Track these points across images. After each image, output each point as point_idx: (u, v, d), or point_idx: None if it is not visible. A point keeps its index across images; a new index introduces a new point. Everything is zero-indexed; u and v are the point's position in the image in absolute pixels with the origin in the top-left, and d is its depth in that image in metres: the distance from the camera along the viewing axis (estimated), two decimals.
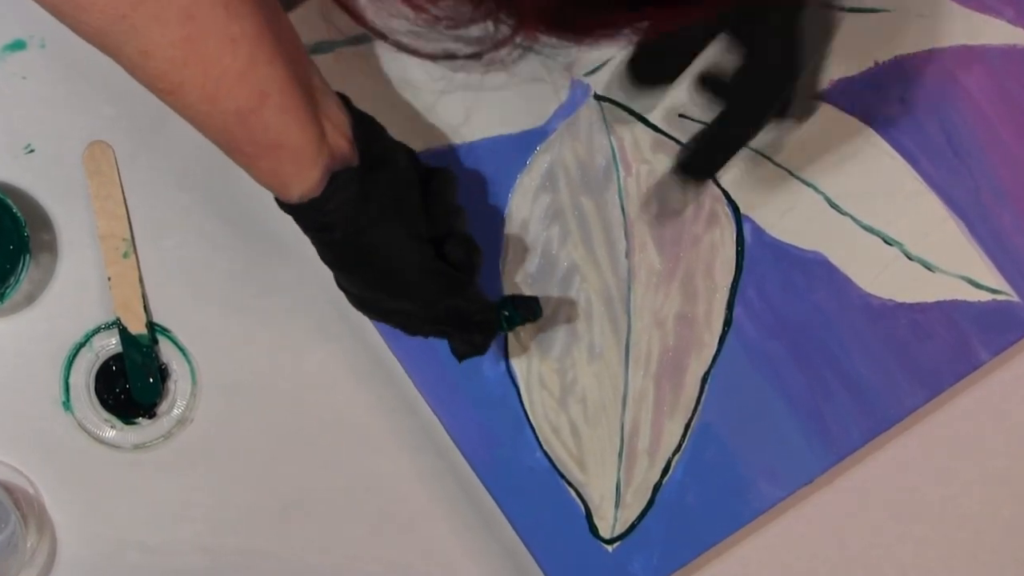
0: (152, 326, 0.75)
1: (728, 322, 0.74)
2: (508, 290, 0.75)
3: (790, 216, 0.75)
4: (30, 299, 0.75)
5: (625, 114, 0.75)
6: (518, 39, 0.38)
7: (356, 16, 0.47)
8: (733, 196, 0.75)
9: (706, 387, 0.74)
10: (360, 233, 0.61)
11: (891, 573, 0.76)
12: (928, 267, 0.75)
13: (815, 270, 0.75)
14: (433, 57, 0.48)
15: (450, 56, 0.46)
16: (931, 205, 0.75)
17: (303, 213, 0.61)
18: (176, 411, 0.75)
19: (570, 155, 0.75)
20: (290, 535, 0.75)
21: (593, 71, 0.76)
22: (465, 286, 0.65)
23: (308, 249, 0.62)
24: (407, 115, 0.75)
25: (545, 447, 0.74)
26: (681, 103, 0.75)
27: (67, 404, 0.75)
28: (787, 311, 0.75)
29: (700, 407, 0.74)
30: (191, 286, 0.75)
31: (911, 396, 0.74)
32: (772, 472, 0.74)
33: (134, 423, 0.75)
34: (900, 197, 0.75)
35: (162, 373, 0.75)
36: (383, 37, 0.47)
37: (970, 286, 0.75)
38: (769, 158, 0.75)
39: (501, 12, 0.38)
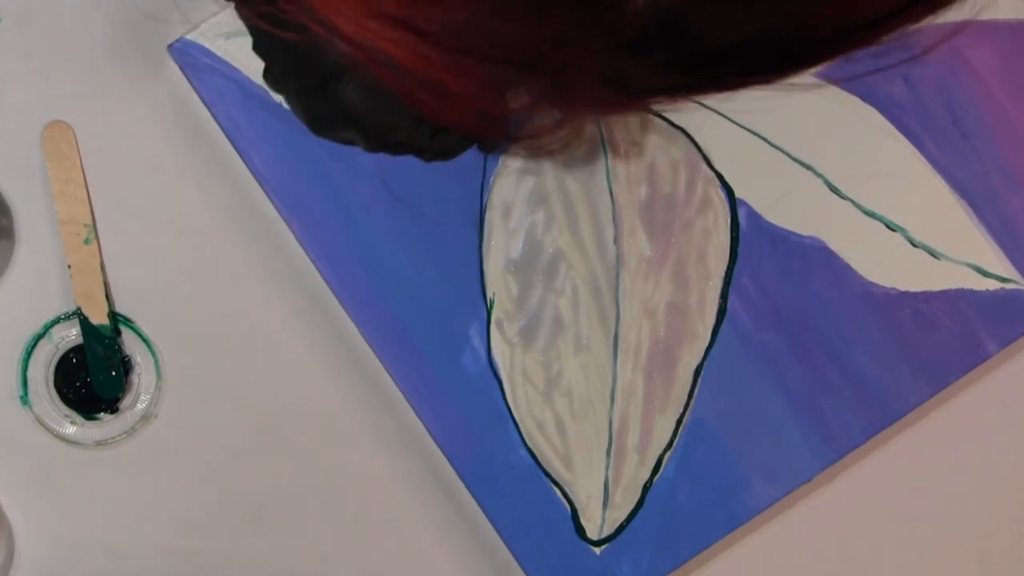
0: (115, 316, 0.74)
1: (722, 312, 0.74)
2: (490, 278, 0.74)
3: (787, 200, 0.74)
4: None
5: None
6: (563, 130, 0.35)
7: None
8: (727, 179, 0.75)
9: (699, 380, 0.74)
10: None
11: None
12: (933, 254, 0.74)
13: (814, 257, 0.74)
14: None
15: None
16: (936, 189, 0.74)
17: None
18: (140, 406, 0.74)
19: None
20: (260, 537, 0.75)
21: None
22: None
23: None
24: None
25: (529, 443, 0.73)
26: None
27: (25, 399, 0.74)
28: (784, 300, 0.74)
29: (693, 402, 0.74)
30: (156, 275, 0.74)
31: (915, 390, 0.74)
32: (769, 470, 0.73)
33: (96, 418, 0.74)
34: (903, 180, 0.75)
35: (125, 366, 0.74)
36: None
37: (977, 274, 0.74)
38: (765, 139, 0.75)
39: (548, 101, 0.35)
